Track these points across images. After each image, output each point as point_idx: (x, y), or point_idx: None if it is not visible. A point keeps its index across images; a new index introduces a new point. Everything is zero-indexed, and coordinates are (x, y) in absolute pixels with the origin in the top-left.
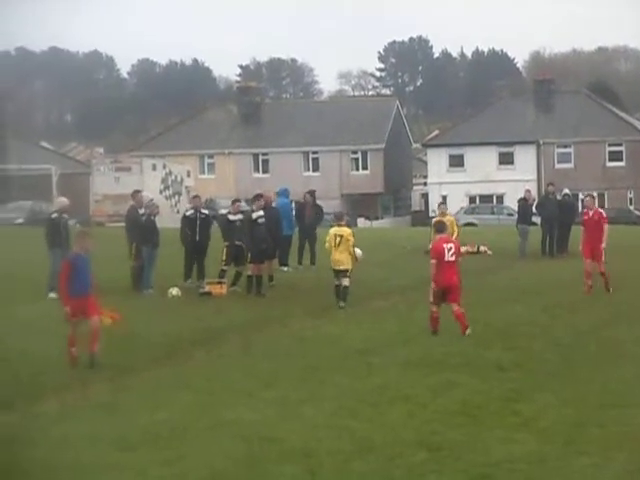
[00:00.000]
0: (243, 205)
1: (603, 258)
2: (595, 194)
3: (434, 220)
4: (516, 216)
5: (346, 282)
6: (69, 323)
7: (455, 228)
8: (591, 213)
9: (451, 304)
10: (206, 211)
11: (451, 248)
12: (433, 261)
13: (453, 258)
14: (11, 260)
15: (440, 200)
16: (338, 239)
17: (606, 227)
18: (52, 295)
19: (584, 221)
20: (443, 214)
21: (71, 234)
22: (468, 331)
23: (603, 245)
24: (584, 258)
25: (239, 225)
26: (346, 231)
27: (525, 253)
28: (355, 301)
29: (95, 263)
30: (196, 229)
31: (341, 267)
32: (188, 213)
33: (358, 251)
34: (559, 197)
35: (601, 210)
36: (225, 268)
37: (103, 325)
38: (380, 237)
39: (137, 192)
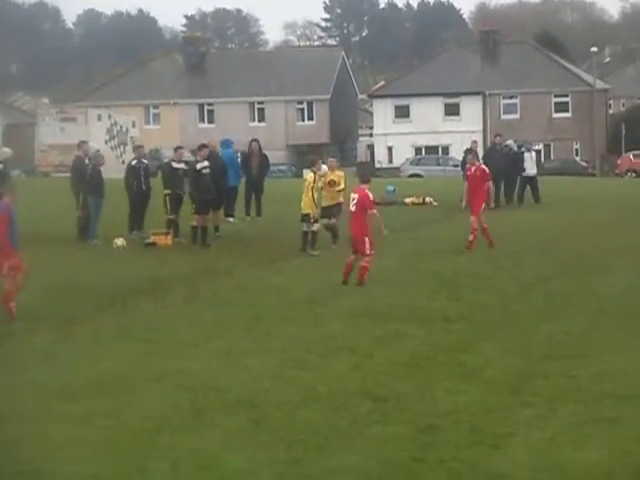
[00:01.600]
0: (187, 154)
1: (480, 215)
2: (541, 145)
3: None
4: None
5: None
6: (6, 277)
7: (343, 184)
8: (473, 169)
9: (360, 256)
10: (146, 161)
11: (354, 198)
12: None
13: (354, 209)
14: None
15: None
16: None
17: (490, 184)
18: None
19: (467, 177)
20: (332, 169)
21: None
22: (360, 286)
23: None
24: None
25: (182, 173)
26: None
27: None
28: (301, 252)
29: (41, 213)
30: (141, 179)
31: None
32: (133, 163)
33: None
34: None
35: (484, 167)
36: (171, 217)
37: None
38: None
39: (83, 142)
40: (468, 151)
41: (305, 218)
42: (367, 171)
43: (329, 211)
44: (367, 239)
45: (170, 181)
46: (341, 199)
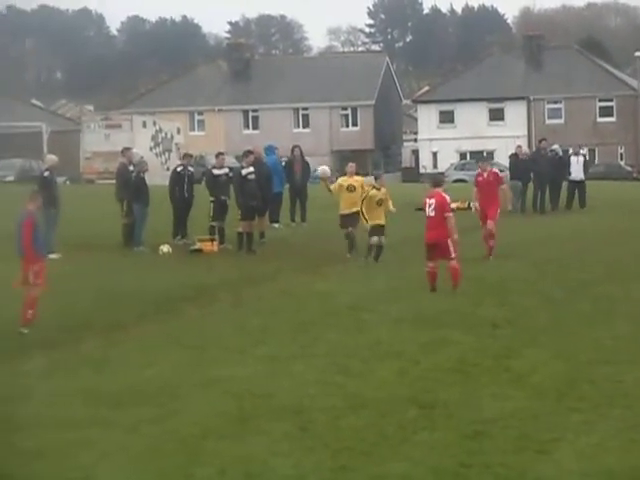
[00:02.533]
0: (231, 160)
1: (495, 220)
2: (586, 149)
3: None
4: (507, 172)
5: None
6: (32, 285)
7: (365, 188)
8: (485, 174)
9: (444, 260)
10: (192, 168)
11: (432, 203)
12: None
13: (433, 214)
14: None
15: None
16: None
17: (504, 187)
18: (53, 256)
19: (477, 182)
20: (351, 174)
21: (61, 192)
22: (458, 289)
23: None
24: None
25: (224, 180)
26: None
27: (517, 209)
28: (346, 257)
29: (86, 220)
30: (184, 186)
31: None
32: (178, 169)
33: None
34: (549, 153)
35: (496, 170)
36: (214, 224)
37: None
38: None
39: (127, 149)
40: (514, 156)
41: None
42: (437, 175)
43: (348, 219)
44: (450, 242)
45: (212, 188)
46: (359, 207)
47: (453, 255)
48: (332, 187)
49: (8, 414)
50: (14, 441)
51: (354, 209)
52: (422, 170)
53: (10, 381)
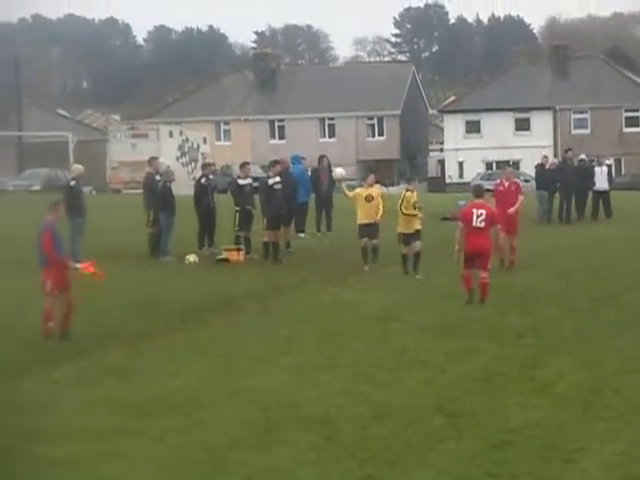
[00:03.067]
0: (257, 169)
1: (518, 231)
2: (612, 160)
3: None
4: (533, 182)
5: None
6: (48, 296)
7: (381, 201)
8: (507, 184)
9: (479, 270)
10: (212, 177)
11: (481, 214)
12: (460, 224)
13: (482, 225)
14: (26, 225)
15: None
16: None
17: (522, 198)
18: (76, 265)
19: (497, 192)
20: (370, 185)
21: (87, 202)
22: (485, 301)
23: (513, 213)
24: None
25: (249, 189)
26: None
27: (543, 219)
28: (372, 267)
29: (112, 230)
30: (209, 196)
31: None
32: (202, 180)
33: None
34: (576, 163)
35: (517, 180)
36: (240, 234)
37: (82, 276)
38: (397, 203)
39: (154, 159)
40: (540, 166)
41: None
42: (479, 185)
43: (369, 230)
44: (490, 253)
45: (238, 198)
46: (378, 217)
47: (489, 267)
48: (350, 194)
49: (37, 423)
50: (43, 451)
51: (372, 220)
52: (448, 180)
53: (39, 390)
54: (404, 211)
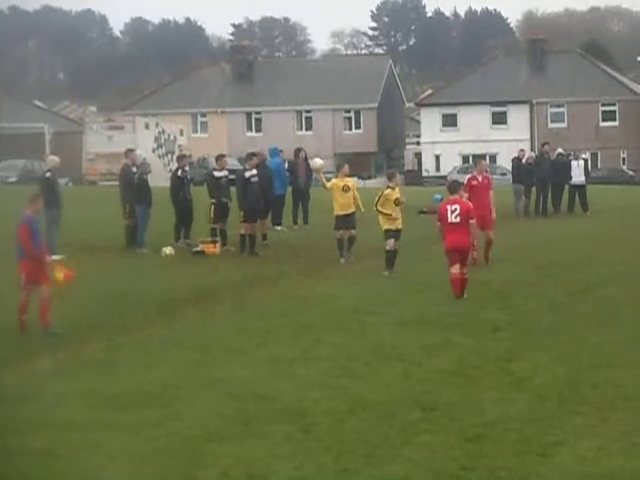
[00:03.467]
0: (234, 162)
1: (493, 226)
2: (588, 154)
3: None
4: (509, 176)
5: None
6: (23, 289)
7: (356, 193)
8: (480, 178)
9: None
10: (187, 169)
11: (455, 209)
12: (437, 223)
13: (457, 220)
14: (3, 218)
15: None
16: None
17: (491, 193)
18: (55, 257)
19: (471, 187)
20: (345, 175)
21: (63, 194)
22: (465, 295)
23: (493, 214)
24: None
25: (225, 182)
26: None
27: (519, 212)
28: (348, 259)
29: (89, 222)
30: (185, 188)
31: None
32: (179, 172)
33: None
34: (553, 157)
35: (488, 175)
36: (215, 226)
37: (53, 279)
38: (373, 196)
39: (130, 151)
40: (517, 159)
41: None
42: (455, 181)
43: (346, 220)
44: (470, 248)
45: (214, 190)
46: (353, 207)
47: (467, 263)
48: (328, 185)
49: (15, 415)
50: (21, 442)
51: (349, 210)
52: (425, 173)
53: (17, 383)
54: (379, 209)
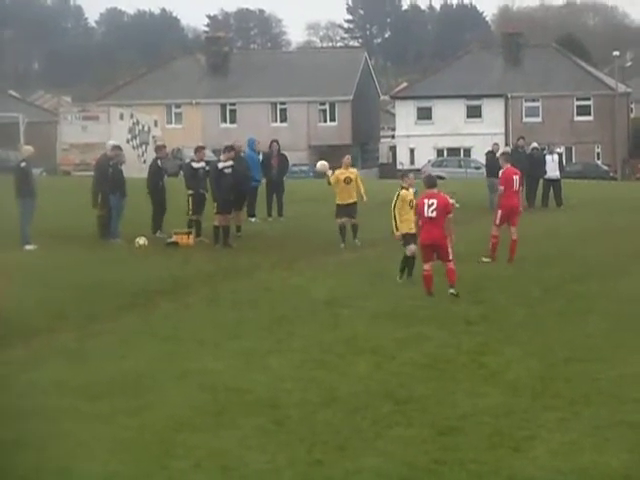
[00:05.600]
0: (209, 153)
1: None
2: (563, 148)
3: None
4: (483, 169)
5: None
6: None
7: (359, 182)
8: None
9: (442, 262)
10: (162, 160)
11: (432, 204)
12: (414, 217)
13: (434, 215)
14: None
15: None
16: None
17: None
18: (29, 247)
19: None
20: (347, 166)
21: (37, 183)
22: (452, 290)
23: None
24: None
25: (203, 173)
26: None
27: (493, 206)
28: (323, 252)
29: (63, 212)
30: (164, 179)
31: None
32: (159, 162)
33: (323, 163)
34: (528, 151)
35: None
36: (193, 218)
37: None
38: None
39: (117, 147)
40: (491, 153)
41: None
42: (432, 175)
43: (347, 210)
44: (448, 243)
45: (191, 181)
46: (355, 197)
47: (451, 257)
48: (333, 180)
49: None
50: None
51: (351, 200)
52: (399, 166)
53: None
54: (399, 214)
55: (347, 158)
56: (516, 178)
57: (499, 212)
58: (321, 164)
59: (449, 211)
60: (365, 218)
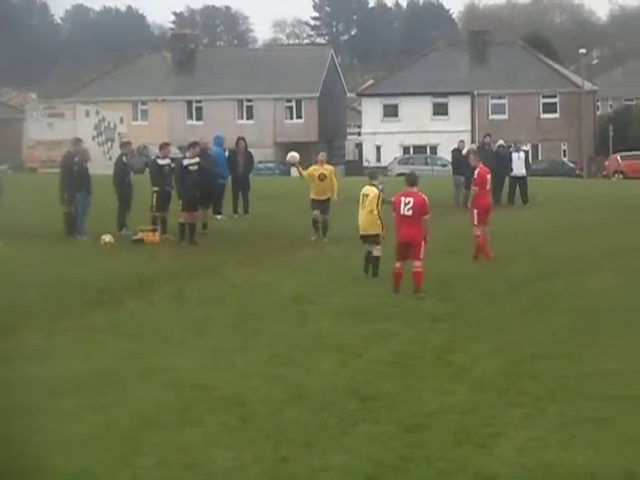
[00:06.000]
0: (174, 150)
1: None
2: (529, 145)
3: (407, 173)
4: (450, 167)
5: (377, 252)
6: None
7: (334, 179)
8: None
9: (412, 260)
10: (127, 157)
11: (409, 202)
12: (394, 214)
13: (410, 213)
14: None
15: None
16: (363, 198)
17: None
18: None
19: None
20: (322, 163)
21: (3, 180)
22: (420, 294)
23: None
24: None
25: (168, 170)
26: (373, 191)
27: (459, 203)
28: (289, 249)
29: (28, 209)
30: (130, 175)
31: (368, 232)
32: (124, 159)
33: (293, 154)
34: (494, 148)
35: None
36: (157, 215)
37: None
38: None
39: (78, 140)
40: (457, 151)
41: (374, 239)
42: (413, 174)
43: (321, 205)
44: (423, 244)
45: (156, 178)
46: (329, 193)
47: (422, 256)
48: (304, 173)
49: None
50: None
51: (324, 197)
52: (365, 164)
53: None
54: (381, 216)
55: (321, 155)
56: (489, 177)
57: (475, 212)
58: (291, 155)
59: (426, 212)
60: (331, 215)
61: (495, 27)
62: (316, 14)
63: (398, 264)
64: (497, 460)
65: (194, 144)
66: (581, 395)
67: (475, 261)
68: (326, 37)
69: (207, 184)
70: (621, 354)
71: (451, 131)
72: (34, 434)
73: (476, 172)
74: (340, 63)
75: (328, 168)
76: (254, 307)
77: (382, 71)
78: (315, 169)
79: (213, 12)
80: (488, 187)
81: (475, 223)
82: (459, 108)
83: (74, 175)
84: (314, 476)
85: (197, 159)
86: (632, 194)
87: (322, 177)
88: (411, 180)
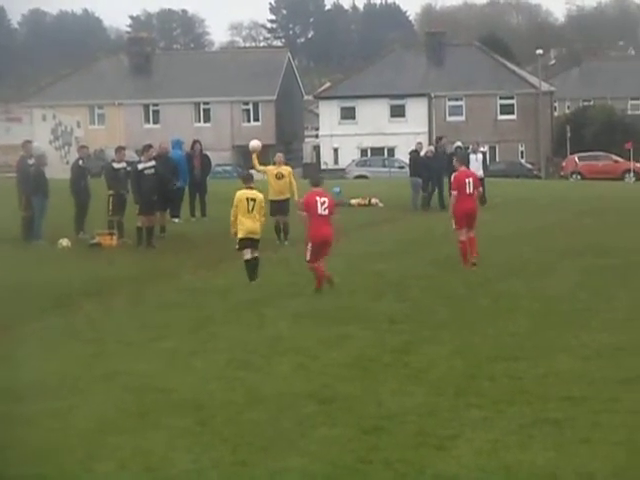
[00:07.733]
0: (131, 154)
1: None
2: (487, 147)
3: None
4: (407, 169)
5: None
6: None
7: (293, 180)
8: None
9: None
10: (84, 160)
11: (324, 202)
12: (304, 214)
13: (326, 212)
14: None
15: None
16: (251, 204)
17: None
18: None
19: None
20: (279, 164)
21: None
22: (317, 291)
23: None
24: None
25: (124, 174)
26: (259, 196)
27: (417, 206)
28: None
29: None
30: (87, 179)
31: (255, 236)
32: (80, 163)
33: (256, 142)
34: (450, 150)
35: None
36: (113, 218)
37: None
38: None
39: (27, 142)
40: (415, 152)
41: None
42: (317, 174)
43: (278, 206)
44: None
45: (112, 182)
46: (288, 194)
47: (327, 254)
48: (260, 168)
49: None
50: None
51: (282, 197)
52: (323, 166)
53: None
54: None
55: (278, 156)
56: (468, 181)
57: (454, 217)
58: (254, 143)
59: (333, 212)
60: (290, 217)
61: (452, 29)
62: (273, 17)
63: (320, 263)
64: (456, 462)
65: (148, 147)
66: (539, 397)
67: (473, 268)
68: (283, 40)
69: (163, 187)
70: (579, 356)
71: (408, 133)
72: None
73: (453, 176)
74: (297, 66)
75: (286, 168)
76: (212, 311)
77: (339, 73)
78: (273, 168)
79: (170, 15)
80: (469, 191)
81: (456, 228)
82: (416, 110)
83: (30, 179)
84: (272, 479)
85: (153, 162)
86: (590, 195)
87: (279, 176)
88: (316, 180)
